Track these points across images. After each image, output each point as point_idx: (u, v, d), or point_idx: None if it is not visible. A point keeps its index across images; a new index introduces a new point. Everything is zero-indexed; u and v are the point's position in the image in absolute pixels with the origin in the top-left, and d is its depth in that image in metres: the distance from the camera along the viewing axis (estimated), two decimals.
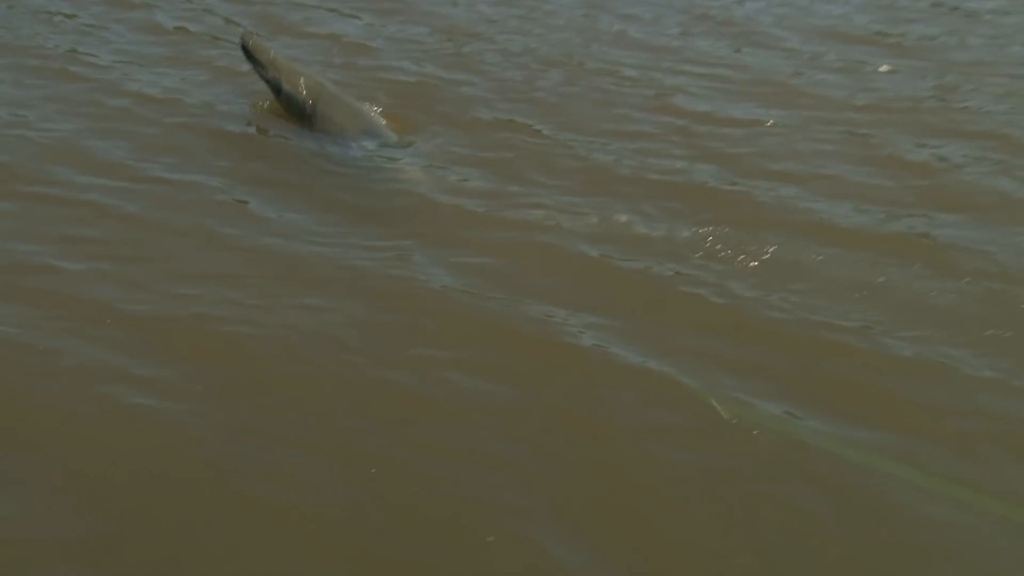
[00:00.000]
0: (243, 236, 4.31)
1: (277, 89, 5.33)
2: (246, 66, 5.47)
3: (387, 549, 2.93)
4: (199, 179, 4.74)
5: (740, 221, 4.60)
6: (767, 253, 4.38)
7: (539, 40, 6.64)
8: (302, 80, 5.33)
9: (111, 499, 3.02)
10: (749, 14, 7.29)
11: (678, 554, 2.98)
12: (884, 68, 6.45)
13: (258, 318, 3.79)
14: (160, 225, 4.36)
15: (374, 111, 5.44)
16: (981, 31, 7.19)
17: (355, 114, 5.28)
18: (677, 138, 5.41)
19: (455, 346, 3.73)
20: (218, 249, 4.22)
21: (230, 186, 4.71)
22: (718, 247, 4.43)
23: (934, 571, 3.00)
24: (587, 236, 4.47)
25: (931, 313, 4.05)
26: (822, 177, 5.09)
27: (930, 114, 5.85)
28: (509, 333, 3.80)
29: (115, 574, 2.81)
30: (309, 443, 3.26)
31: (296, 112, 5.29)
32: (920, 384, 3.64)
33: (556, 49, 6.50)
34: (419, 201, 4.74)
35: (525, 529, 2.99)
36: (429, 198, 4.75)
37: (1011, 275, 4.25)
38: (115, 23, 6.44)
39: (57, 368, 3.49)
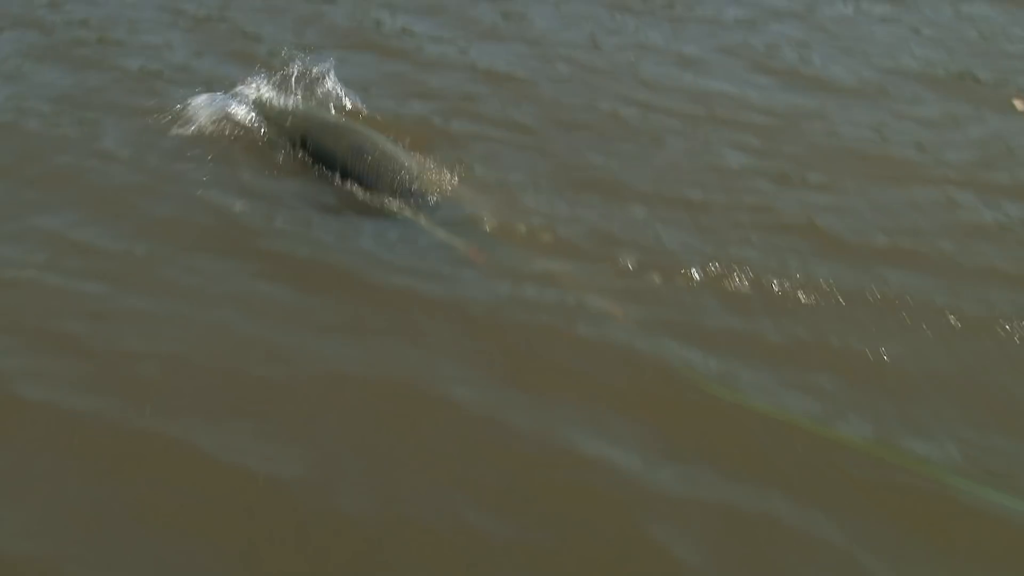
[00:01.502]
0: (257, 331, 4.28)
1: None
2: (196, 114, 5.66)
3: None
4: (192, 258, 4.70)
5: (840, 314, 4.46)
6: (878, 355, 4.23)
7: (584, 87, 6.65)
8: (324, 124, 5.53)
9: None
10: (816, 58, 7.25)
11: None
12: (1020, 105, 6.35)
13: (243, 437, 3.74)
14: (140, 316, 4.31)
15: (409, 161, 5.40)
16: None
17: (393, 166, 5.27)
18: (756, 205, 5.32)
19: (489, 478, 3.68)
20: (226, 344, 4.16)
21: (231, 266, 4.67)
22: (818, 350, 4.27)
23: None
24: (655, 327, 4.37)
25: None
26: (938, 256, 4.95)
27: None
28: (560, 474, 3.70)
29: None
30: None
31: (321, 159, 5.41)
32: None
33: (603, 99, 6.48)
34: (461, 285, 4.64)
35: None
36: (473, 279, 4.67)
37: None
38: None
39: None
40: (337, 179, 5.30)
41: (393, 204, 5.14)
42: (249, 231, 4.98)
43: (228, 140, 5.73)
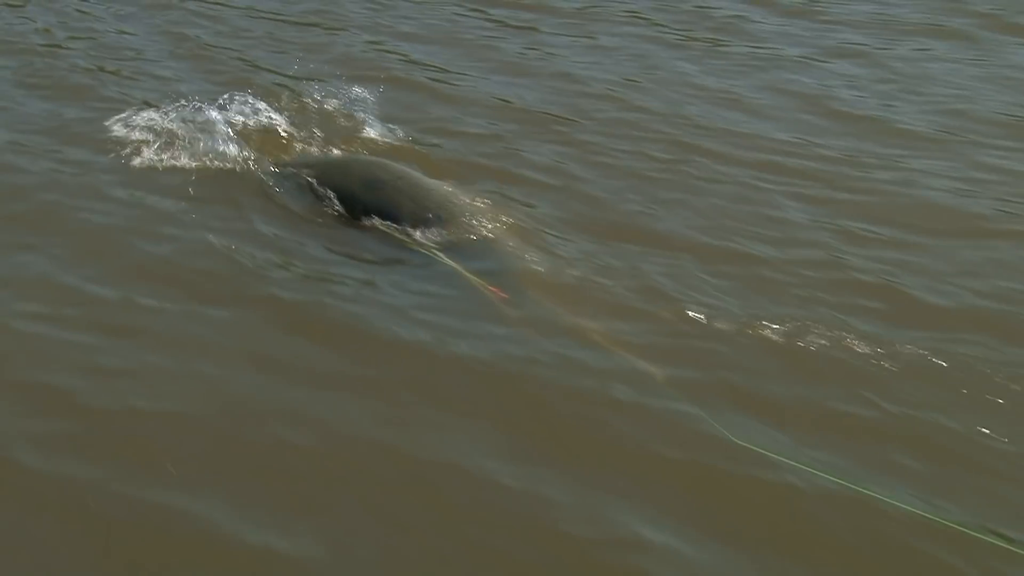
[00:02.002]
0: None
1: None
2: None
3: None
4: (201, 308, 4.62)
5: (924, 384, 4.30)
6: (970, 430, 4.05)
7: (624, 126, 6.62)
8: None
9: None
10: (881, 100, 7.18)
11: None
12: None
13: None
14: (139, 371, 4.21)
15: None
16: None
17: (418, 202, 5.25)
18: (820, 261, 5.19)
19: None
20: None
21: (239, 316, 4.60)
22: (900, 424, 4.12)
23: None
24: (708, 393, 4.21)
25: None
26: None
27: None
28: None
29: None
30: None
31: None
32: None
33: (646, 139, 6.44)
34: (490, 342, 4.51)
35: None
36: (502, 336, 4.55)
37: None
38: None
39: None
40: (358, 218, 5.28)
41: (416, 242, 5.09)
42: (257, 277, 4.91)
43: (230, 177, 5.70)
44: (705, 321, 4.68)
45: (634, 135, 6.51)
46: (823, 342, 4.52)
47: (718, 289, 4.96)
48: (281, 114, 6.23)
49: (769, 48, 7.91)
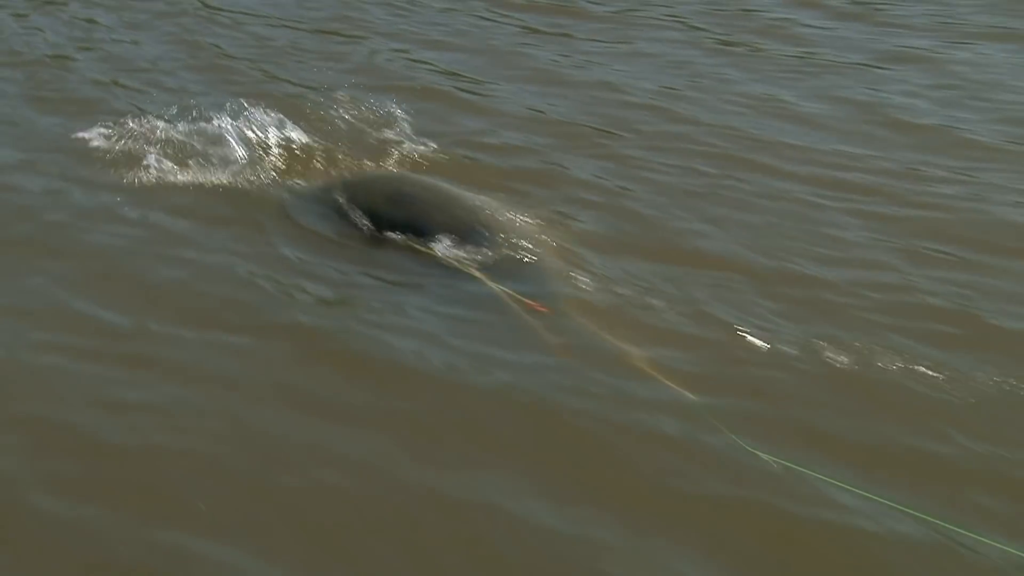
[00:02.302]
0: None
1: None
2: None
3: None
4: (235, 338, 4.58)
5: (1006, 419, 4.18)
6: None
7: (669, 139, 6.60)
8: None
9: None
10: (947, 110, 7.09)
11: None
12: None
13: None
14: (158, 407, 4.17)
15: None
16: None
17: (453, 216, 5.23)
18: (886, 284, 5.11)
19: None
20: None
21: (261, 347, 4.55)
22: (979, 462, 3.99)
23: None
24: (764, 426, 4.11)
25: None
26: None
27: None
28: None
29: None
30: None
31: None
32: None
33: (692, 153, 6.44)
34: (529, 374, 4.43)
35: None
36: (542, 367, 4.46)
37: None
38: None
39: None
40: (387, 236, 5.27)
41: (448, 260, 5.07)
42: (280, 303, 4.88)
43: (249, 195, 5.70)
44: (761, 348, 4.58)
45: (680, 148, 6.48)
46: (891, 371, 4.42)
47: (775, 313, 4.87)
48: (302, 127, 6.20)
49: (821, 53, 7.86)
